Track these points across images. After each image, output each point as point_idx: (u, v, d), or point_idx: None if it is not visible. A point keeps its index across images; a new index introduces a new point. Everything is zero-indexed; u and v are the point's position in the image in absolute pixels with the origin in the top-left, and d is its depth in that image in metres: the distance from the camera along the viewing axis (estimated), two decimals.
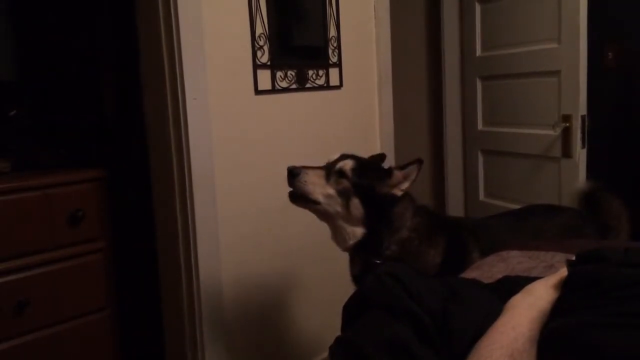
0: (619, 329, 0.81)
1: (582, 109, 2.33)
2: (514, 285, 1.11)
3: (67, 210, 1.98)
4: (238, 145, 2.08)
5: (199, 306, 1.96)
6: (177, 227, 1.95)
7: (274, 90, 2.16)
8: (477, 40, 2.95)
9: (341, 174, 1.66)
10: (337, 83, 2.41)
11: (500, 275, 1.32)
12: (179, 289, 1.99)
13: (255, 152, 2.13)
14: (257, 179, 2.14)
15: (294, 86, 2.23)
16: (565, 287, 0.98)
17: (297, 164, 1.66)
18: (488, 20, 2.87)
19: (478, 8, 2.91)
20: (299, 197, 1.66)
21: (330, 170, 1.67)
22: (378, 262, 1.62)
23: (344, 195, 1.65)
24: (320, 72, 2.34)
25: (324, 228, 2.38)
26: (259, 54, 2.09)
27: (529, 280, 1.12)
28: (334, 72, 2.39)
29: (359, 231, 1.67)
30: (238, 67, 2.06)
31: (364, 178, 1.66)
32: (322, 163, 1.72)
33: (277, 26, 2.15)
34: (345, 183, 1.65)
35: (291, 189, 1.66)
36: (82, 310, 2.03)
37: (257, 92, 2.11)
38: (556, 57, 2.42)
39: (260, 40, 2.09)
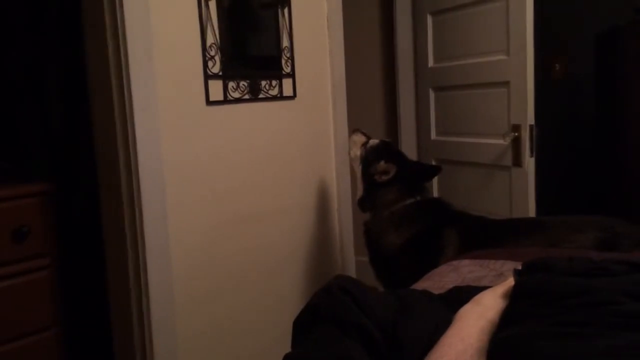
0: (564, 339, 0.82)
1: (530, 119, 2.38)
2: (463, 295, 1.11)
3: (11, 226, 1.89)
4: (189, 157, 2.03)
5: (149, 323, 1.90)
6: (125, 241, 1.89)
7: (226, 101, 2.13)
8: (429, 52, 2.99)
9: (365, 146, 2.26)
10: (290, 93, 2.39)
11: (451, 285, 1.33)
12: (129, 305, 1.92)
13: (207, 164, 2.09)
14: (209, 191, 2.10)
15: (246, 97, 2.21)
16: (512, 297, 0.99)
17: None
18: (440, 32, 2.92)
19: (430, 20, 2.96)
20: (349, 150, 2.36)
21: (367, 141, 2.28)
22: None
23: (360, 160, 2.25)
24: (274, 83, 2.32)
25: (276, 243, 2.37)
26: (210, 64, 2.06)
27: (478, 289, 1.12)
28: (287, 83, 2.38)
29: (359, 192, 2.25)
30: (189, 78, 2.02)
31: (370, 156, 2.21)
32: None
33: (228, 36, 2.13)
34: (363, 153, 2.24)
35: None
36: (27, 330, 1.94)
37: (209, 102, 2.07)
38: (505, 69, 2.47)
39: (211, 50, 2.06)
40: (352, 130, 2.41)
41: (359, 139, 2.32)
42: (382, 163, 2.16)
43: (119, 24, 1.80)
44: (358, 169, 2.28)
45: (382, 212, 2.14)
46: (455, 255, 1.80)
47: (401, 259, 2.04)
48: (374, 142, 2.28)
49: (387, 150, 2.25)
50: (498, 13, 2.47)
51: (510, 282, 1.05)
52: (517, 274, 1.03)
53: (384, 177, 2.15)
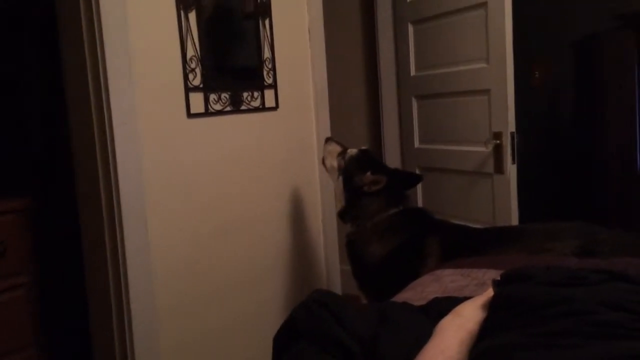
0: (542, 349, 0.82)
1: (511, 126, 2.40)
2: (444, 306, 1.11)
3: None
4: (171, 170, 2.02)
5: (131, 341, 1.87)
6: (106, 257, 1.87)
7: (207, 114, 2.12)
8: (411, 61, 3.01)
9: (343, 156, 2.19)
10: (272, 104, 2.39)
11: (433, 295, 1.33)
12: (110, 318, 1.90)
13: (189, 177, 2.08)
14: (191, 205, 2.08)
15: (228, 109, 2.20)
16: (491, 308, 0.99)
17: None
18: (421, 40, 2.93)
19: (411, 29, 2.98)
20: (323, 160, 2.31)
21: (344, 151, 2.22)
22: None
23: (339, 171, 2.19)
24: (256, 94, 2.31)
25: (259, 254, 2.36)
26: (190, 77, 2.05)
27: (459, 300, 1.12)
28: (269, 94, 2.37)
29: (339, 203, 2.20)
30: (169, 91, 2.01)
31: (352, 166, 2.15)
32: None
33: (209, 48, 2.12)
34: (342, 163, 2.18)
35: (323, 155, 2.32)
36: (4, 349, 1.91)
37: (190, 115, 2.06)
38: (485, 77, 2.49)
39: (191, 62, 2.06)
40: (325, 140, 2.35)
41: (334, 148, 2.26)
42: (368, 174, 2.10)
43: (97, 37, 1.78)
44: (337, 180, 2.21)
45: (366, 222, 2.09)
46: (438, 264, 1.80)
47: (385, 270, 2.02)
48: (352, 151, 2.21)
49: (368, 159, 2.21)
50: (477, 21, 2.49)
51: (490, 292, 1.05)
52: (496, 284, 1.03)
53: (374, 187, 2.08)
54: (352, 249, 2.14)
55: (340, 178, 2.18)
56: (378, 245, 2.04)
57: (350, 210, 2.15)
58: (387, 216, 2.08)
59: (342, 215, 2.20)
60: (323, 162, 2.32)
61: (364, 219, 2.10)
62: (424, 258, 1.90)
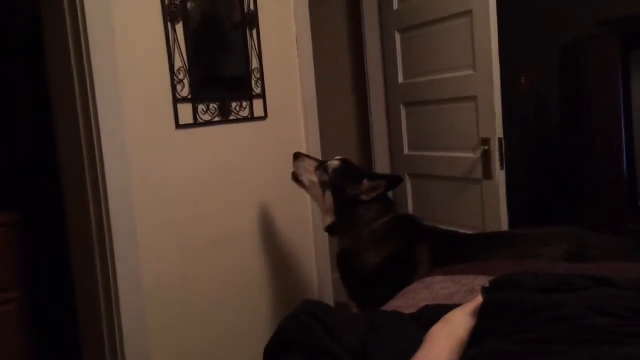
0: (531, 356, 0.83)
1: (499, 132, 2.41)
2: (434, 314, 1.12)
3: None
4: (160, 182, 2.01)
5: (123, 353, 1.86)
6: (95, 270, 1.86)
7: (196, 124, 2.12)
8: (399, 68, 3.02)
9: (325, 169, 2.09)
10: (261, 114, 2.39)
11: (424, 302, 1.34)
12: (101, 336, 1.88)
13: (179, 188, 2.08)
14: (180, 216, 2.08)
15: (217, 119, 2.20)
16: (480, 315, 0.99)
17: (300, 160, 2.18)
18: (408, 48, 2.95)
19: (398, 37, 2.99)
20: (294, 177, 2.16)
21: (321, 164, 2.11)
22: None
23: (323, 186, 2.08)
24: (244, 104, 2.32)
25: (250, 265, 2.35)
26: (179, 87, 2.06)
27: (449, 308, 1.13)
28: (258, 104, 2.38)
29: (329, 218, 2.09)
30: (157, 102, 2.01)
31: (340, 178, 2.06)
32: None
33: (197, 59, 2.12)
34: (326, 177, 2.07)
35: (293, 170, 2.16)
36: None
37: (178, 126, 2.06)
38: (472, 83, 2.50)
39: (179, 74, 2.06)
40: (295, 156, 2.19)
41: (309, 164, 2.15)
42: (365, 182, 2.03)
43: (84, 49, 1.78)
44: (323, 194, 2.09)
45: (362, 231, 2.02)
46: (429, 271, 1.80)
47: (381, 277, 1.98)
48: (334, 163, 2.11)
49: (352, 167, 2.14)
50: (463, 29, 2.51)
51: (480, 299, 1.05)
52: (485, 291, 1.03)
53: (373, 194, 2.03)
54: (346, 259, 2.08)
55: (329, 192, 2.07)
56: (375, 254, 2.00)
57: (343, 222, 2.06)
58: (382, 223, 2.04)
59: (332, 230, 2.11)
60: (296, 178, 2.17)
61: (360, 228, 2.04)
62: (416, 265, 1.90)
